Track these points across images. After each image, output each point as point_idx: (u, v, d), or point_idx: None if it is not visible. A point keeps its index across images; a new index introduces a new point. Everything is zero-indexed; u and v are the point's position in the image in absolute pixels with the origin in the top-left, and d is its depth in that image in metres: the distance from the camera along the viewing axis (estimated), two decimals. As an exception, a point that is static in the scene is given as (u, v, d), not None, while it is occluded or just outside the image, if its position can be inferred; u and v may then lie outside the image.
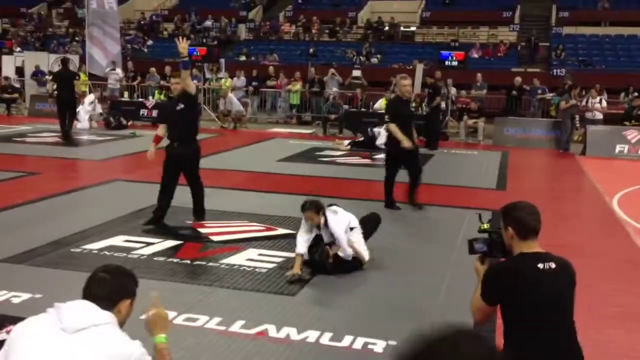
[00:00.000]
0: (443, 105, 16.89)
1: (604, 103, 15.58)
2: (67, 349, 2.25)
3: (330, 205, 5.98)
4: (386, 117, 8.40)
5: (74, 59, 22.30)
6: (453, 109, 17.61)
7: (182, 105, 6.77)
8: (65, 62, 15.11)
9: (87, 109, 16.74)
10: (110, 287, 2.46)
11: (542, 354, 2.88)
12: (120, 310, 2.47)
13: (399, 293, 5.33)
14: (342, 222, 5.79)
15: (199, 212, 7.28)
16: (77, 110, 16.17)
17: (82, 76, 19.37)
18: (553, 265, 2.92)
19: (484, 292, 3.00)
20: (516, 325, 2.92)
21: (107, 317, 2.38)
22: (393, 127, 8.04)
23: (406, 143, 7.91)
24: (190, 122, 6.96)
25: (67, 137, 13.78)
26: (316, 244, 5.71)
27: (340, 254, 5.71)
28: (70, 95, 14.14)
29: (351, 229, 5.87)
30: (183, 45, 6.66)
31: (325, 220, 5.66)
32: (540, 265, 2.90)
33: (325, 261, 5.62)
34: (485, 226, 3.28)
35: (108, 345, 2.30)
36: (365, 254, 5.86)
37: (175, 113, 6.79)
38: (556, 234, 7.29)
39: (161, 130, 7.12)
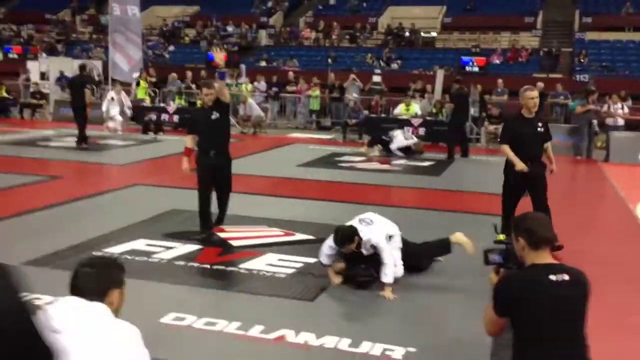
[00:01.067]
0: (473, 111, 16.78)
1: (626, 109, 15.37)
2: (60, 350, 2.20)
3: (363, 218, 5.64)
4: (499, 138, 7.03)
5: (98, 65, 22.60)
6: (482, 115, 17.19)
7: (217, 115, 6.65)
8: (82, 68, 14.92)
9: (104, 109, 16.72)
10: (97, 280, 2.41)
11: None
12: (112, 302, 2.41)
13: (417, 300, 5.29)
14: (379, 230, 5.49)
15: (222, 219, 7.25)
16: (107, 113, 16.29)
17: (142, 82, 19.46)
18: (566, 277, 2.86)
19: (495, 304, 2.96)
20: (526, 338, 2.88)
21: (97, 308, 2.32)
22: (505, 149, 6.81)
23: (520, 165, 6.66)
24: (225, 130, 6.82)
25: (84, 142, 13.67)
26: (356, 266, 5.52)
27: (384, 276, 5.30)
28: (78, 104, 13.78)
29: (389, 237, 5.59)
30: (220, 56, 6.64)
31: (359, 242, 5.42)
32: (553, 277, 2.85)
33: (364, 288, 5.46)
34: (501, 237, 3.25)
35: (102, 338, 2.25)
36: (395, 270, 5.40)
37: (210, 122, 6.65)
38: (578, 240, 7.20)
39: (190, 141, 6.90)
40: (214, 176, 6.81)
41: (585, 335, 2.93)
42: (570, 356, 2.86)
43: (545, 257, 2.94)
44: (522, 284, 2.91)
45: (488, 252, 3.24)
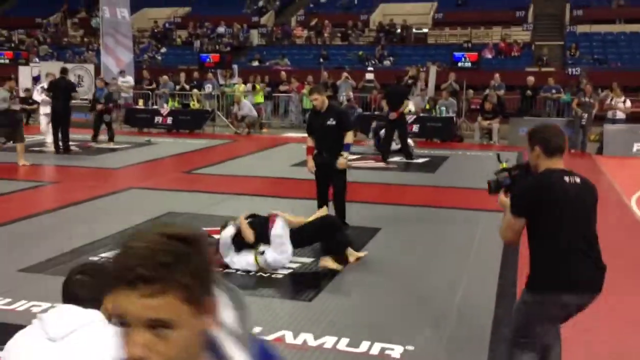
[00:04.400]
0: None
1: (628, 103, 15.25)
2: (58, 358, 2.18)
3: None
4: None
5: (90, 68, 22.52)
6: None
7: (334, 122, 7.25)
8: (64, 71, 14.58)
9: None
10: (91, 287, 2.36)
11: (570, 261, 3.12)
12: (108, 308, 2.32)
13: (415, 298, 5.31)
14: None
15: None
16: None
17: (257, 86, 19.26)
18: (577, 180, 3.21)
19: (515, 206, 3.23)
20: (546, 235, 3.16)
21: (93, 315, 2.29)
22: None
23: None
24: (339, 135, 7.32)
25: (67, 150, 13.56)
26: None
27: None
28: (64, 108, 13.61)
29: None
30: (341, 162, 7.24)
31: None
32: (567, 178, 3.19)
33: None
34: (504, 165, 3.57)
35: (99, 344, 2.19)
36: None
37: (326, 127, 7.24)
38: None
39: (311, 141, 7.50)
40: (327, 173, 7.34)
41: (596, 234, 3.23)
42: (587, 249, 3.16)
43: (558, 163, 3.26)
44: (541, 185, 3.23)
45: (497, 175, 3.52)
